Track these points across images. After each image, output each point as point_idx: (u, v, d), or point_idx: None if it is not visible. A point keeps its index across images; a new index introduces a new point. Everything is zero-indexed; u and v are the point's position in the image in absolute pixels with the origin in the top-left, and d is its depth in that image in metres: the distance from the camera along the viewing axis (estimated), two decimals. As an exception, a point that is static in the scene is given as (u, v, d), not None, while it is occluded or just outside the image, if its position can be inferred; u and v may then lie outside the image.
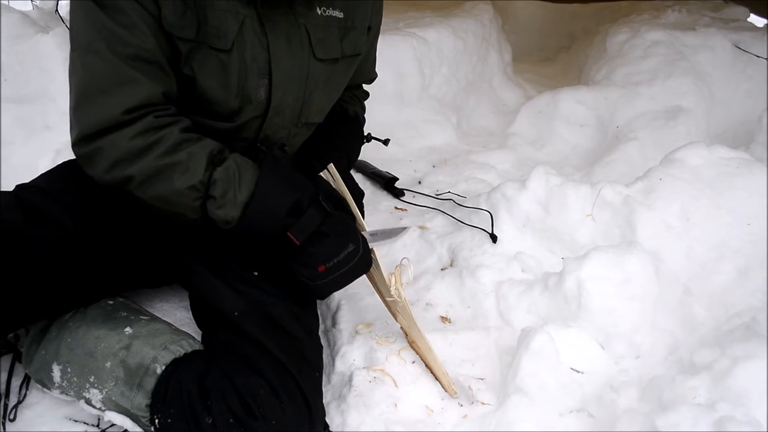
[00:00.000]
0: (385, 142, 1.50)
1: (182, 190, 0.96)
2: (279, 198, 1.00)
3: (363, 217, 1.18)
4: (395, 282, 1.14)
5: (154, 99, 0.97)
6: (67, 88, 1.00)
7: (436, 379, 1.16)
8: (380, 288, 1.17)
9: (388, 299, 1.16)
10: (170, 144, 0.96)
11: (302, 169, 1.19)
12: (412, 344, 1.20)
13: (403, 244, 1.58)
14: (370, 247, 1.12)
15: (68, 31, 1.01)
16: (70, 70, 0.98)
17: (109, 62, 0.93)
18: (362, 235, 1.09)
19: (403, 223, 1.66)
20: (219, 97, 1.05)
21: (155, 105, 0.97)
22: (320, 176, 1.16)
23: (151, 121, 0.96)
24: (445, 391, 1.14)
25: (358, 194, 1.29)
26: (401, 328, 1.21)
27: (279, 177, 1.02)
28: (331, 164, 1.16)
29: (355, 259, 1.05)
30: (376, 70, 1.50)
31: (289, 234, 1.00)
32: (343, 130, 1.36)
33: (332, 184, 1.17)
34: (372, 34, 1.30)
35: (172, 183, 0.96)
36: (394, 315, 1.19)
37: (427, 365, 1.18)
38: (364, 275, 1.13)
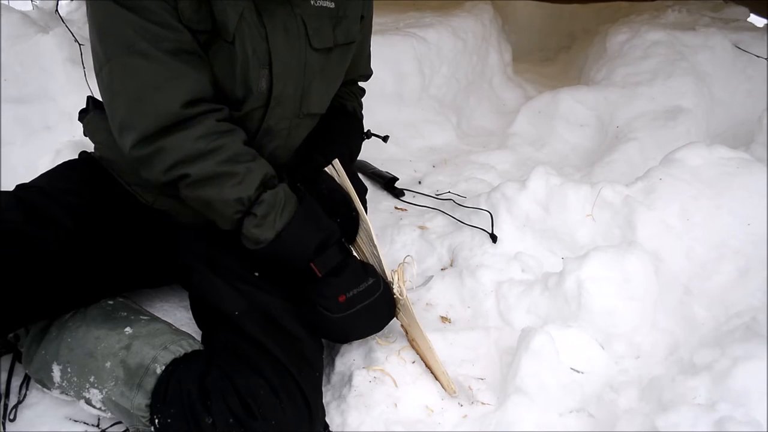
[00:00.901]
0: (384, 138, 1.50)
1: (230, 199, 1.00)
2: (310, 233, 1.06)
3: (366, 213, 1.19)
4: (398, 279, 1.14)
5: (206, 90, 1.01)
6: (68, 88, 1.00)
7: (436, 378, 1.16)
8: None
9: None
10: (232, 153, 1.00)
11: (305, 163, 1.24)
12: (411, 342, 1.20)
13: (403, 244, 1.58)
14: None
15: (71, 35, 1.02)
16: (107, 80, 0.99)
17: (157, 60, 0.96)
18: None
19: (403, 223, 1.66)
20: (225, 87, 1.07)
21: (208, 99, 1.01)
22: (325, 171, 1.18)
23: (214, 125, 1.00)
24: (445, 390, 1.14)
25: (362, 190, 1.30)
26: (401, 326, 1.21)
27: (313, 215, 1.08)
28: (336, 160, 1.18)
29: (376, 294, 1.09)
30: (376, 69, 1.50)
31: (312, 265, 1.05)
32: (343, 125, 1.38)
33: (336, 179, 1.17)
34: (365, 23, 1.30)
35: (223, 190, 1.00)
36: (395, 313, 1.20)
37: (426, 364, 1.18)
38: None
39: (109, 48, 0.97)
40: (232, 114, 1.06)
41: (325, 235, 1.07)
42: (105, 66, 0.98)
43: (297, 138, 1.24)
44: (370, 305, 1.08)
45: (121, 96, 0.98)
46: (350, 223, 1.19)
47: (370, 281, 1.09)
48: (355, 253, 1.21)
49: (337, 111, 1.37)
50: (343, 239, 1.12)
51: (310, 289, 1.07)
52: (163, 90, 0.96)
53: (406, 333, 1.21)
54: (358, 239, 1.22)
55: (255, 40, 1.05)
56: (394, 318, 1.17)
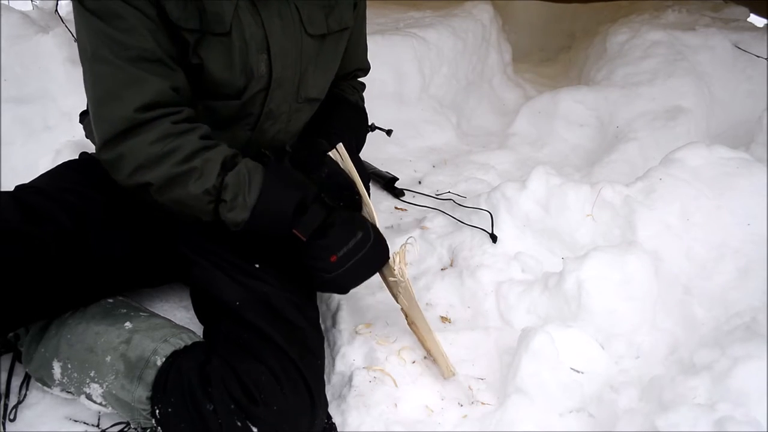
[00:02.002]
0: (388, 132, 1.50)
1: (197, 194, 1.00)
2: (284, 199, 1.03)
3: (369, 196, 1.19)
4: (399, 262, 1.13)
5: (164, 95, 1.00)
6: (68, 88, 1.01)
7: (434, 360, 1.15)
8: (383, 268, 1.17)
9: (390, 279, 1.15)
10: (188, 152, 1.00)
11: (309, 147, 1.24)
12: (411, 325, 1.20)
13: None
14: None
15: (71, 35, 1.04)
16: (84, 82, 1.01)
17: (115, 66, 0.97)
18: (373, 226, 1.10)
19: (403, 223, 1.66)
20: (226, 79, 1.08)
21: (166, 103, 1.00)
22: (329, 155, 1.18)
23: (169, 128, 0.99)
24: (443, 374, 1.13)
25: (366, 177, 1.28)
26: (401, 309, 1.20)
27: (282, 178, 1.06)
28: (341, 144, 1.18)
29: (367, 245, 1.06)
30: (376, 69, 1.51)
31: (294, 231, 1.03)
32: (348, 115, 1.40)
33: (340, 164, 1.17)
34: (358, 12, 1.32)
35: (187, 188, 1.00)
36: (395, 296, 1.19)
37: (425, 346, 1.17)
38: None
39: (80, 53, 1.01)
40: (190, 116, 1.05)
41: (301, 195, 1.04)
42: (82, 69, 1.02)
43: (298, 122, 1.26)
44: (364, 257, 1.06)
45: (90, 101, 1.01)
46: (353, 207, 1.18)
47: (359, 235, 1.06)
48: None
49: (340, 101, 1.39)
50: (322, 194, 1.09)
51: (302, 254, 1.06)
52: (120, 96, 0.97)
53: (406, 316, 1.20)
54: None
55: (251, 28, 1.07)
56: (389, 262, 1.14)
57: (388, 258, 1.13)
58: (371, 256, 1.08)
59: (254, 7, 1.07)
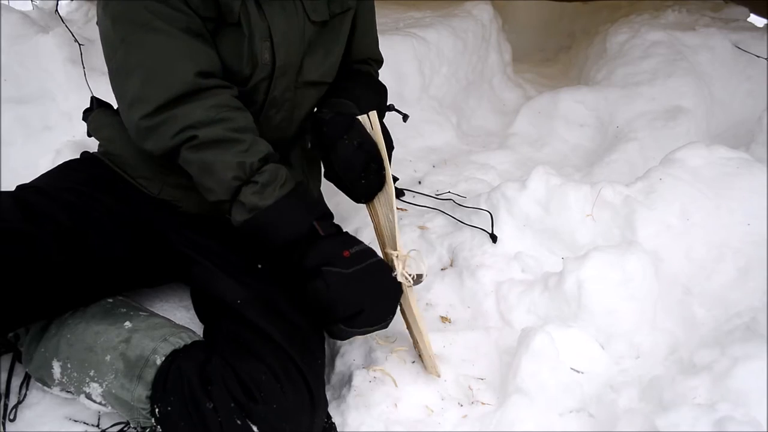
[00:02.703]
0: (404, 117, 1.44)
1: (232, 162, 1.01)
2: (307, 206, 1.06)
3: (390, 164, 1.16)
4: (401, 267, 1.07)
5: (217, 66, 1.07)
6: (68, 88, 1.01)
7: (421, 356, 1.13)
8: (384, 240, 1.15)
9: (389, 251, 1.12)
10: (242, 125, 1.04)
11: (335, 109, 1.23)
12: (405, 320, 1.14)
13: (403, 244, 1.57)
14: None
15: (71, 35, 1.05)
16: (121, 60, 1.03)
17: (171, 35, 1.01)
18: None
19: (403, 223, 1.66)
20: (233, 67, 1.11)
21: (219, 75, 1.06)
22: (358, 120, 1.17)
23: (228, 99, 1.05)
24: (428, 370, 1.13)
25: (391, 145, 1.25)
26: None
27: (309, 197, 1.09)
28: (374, 112, 1.18)
29: (375, 257, 1.03)
30: (383, 62, 1.52)
31: (315, 224, 1.03)
32: (370, 81, 1.40)
33: (370, 132, 1.16)
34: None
35: (227, 153, 1.01)
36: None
37: (414, 341, 1.15)
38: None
39: (125, 29, 1.02)
40: (240, 95, 1.09)
41: (321, 212, 1.08)
42: (120, 48, 1.02)
43: (302, 110, 1.27)
44: (377, 264, 1.02)
45: (137, 71, 1.02)
46: (377, 180, 1.16)
47: (363, 246, 1.05)
48: (369, 214, 1.23)
49: (360, 72, 1.40)
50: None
51: (311, 254, 1.00)
52: (178, 62, 1.01)
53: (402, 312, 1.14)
54: (376, 201, 1.18)
55: (256, 17, 1.10)
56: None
57: (399, 292, 1.05)
58: (383, 268, 1.04)
59: (257, 1, 1.10)
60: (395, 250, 1.09)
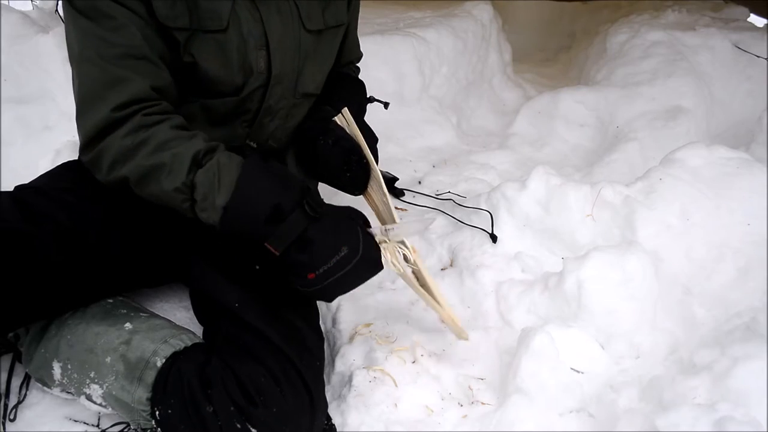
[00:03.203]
0: (385, 105, 1.49)
1: (169, 191, 0.96)
2: (258, 203, 0.93)
3: (377, 162, 1.19)
4: (391, 258, 1.05)
5: (143, 94, 0.98)
6: (68, 88, 1.01)
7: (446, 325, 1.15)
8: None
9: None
10: (157, 143, 0.96)
11: (316, 116, 1.24)
12: (420, 289, 1.11)
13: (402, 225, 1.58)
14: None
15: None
16: (72, 82, 1.01)
17: (99, 66, 0.96)
18: (365, 234, 0.99)
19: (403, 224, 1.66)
20: (221, 77, 1.08)
21: (144, 101, 0.98)
22: (334, 121, 1.18)
23: (140, 120, 0.97)
24: (458, 336, 1.14)
25: (374, 139, 1.28)
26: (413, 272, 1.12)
27: (260, 178, 0.95)
28: (346, 109, 1.17)
29: (354, 261, 0.95)
30: (376, 69, 1.54)
31: (267, 245, 0.93)
32: (349, 84, 1.41)
33: (346, 129, 1.18)
34: (353, 8, 1.34)
35: (160, 184, 0.96)
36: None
37: (436, 311, 1.14)
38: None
39: (69, 54, 1.01)
40: (166, 109, 1.02)
41: (277, 202, 0.93)
42: (71, 70, 1.02)
43: (295, 118, 1.26)
44: (348, 273, 0.95)
45: (75, 101, 1.01)
46: (361, 171, 1.17)
47: (344, 251, 0.94)
48: (368, 204, 1.22)
49: (338, 75, 1.40)
50: (306, 199, 0.96)
51: (279, 264, 0.96)
52: (102, 96, 0.96)
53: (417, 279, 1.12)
54: (370, 189, 1.21)
55: (249, 23, 1.07)
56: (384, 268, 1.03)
57: (378, 269, 1.01)
58: (357, 271, 0.97)
59: (252, 3, 1.08)
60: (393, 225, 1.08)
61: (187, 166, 0.94)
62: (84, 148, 1.00)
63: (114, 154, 0.97)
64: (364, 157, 1.16)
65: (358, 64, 1.55)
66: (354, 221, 1.00)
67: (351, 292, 1.05)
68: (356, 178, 1.19)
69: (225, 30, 1.04)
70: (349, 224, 0.99)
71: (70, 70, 1.02)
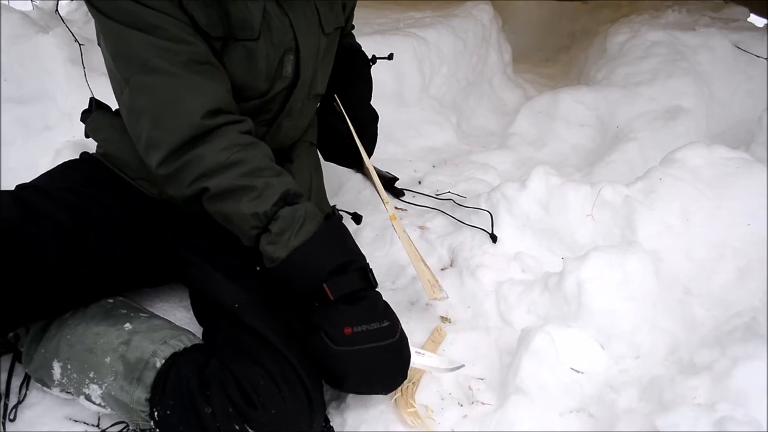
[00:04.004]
0: (390, 56, 1.66)
1: (246, 214, 0.98)
2: (328, 254, 0.99)
3: (375, 144, 1.50)
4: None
5: (224, 99, 1.01)
6: (68, 88, 1.01)
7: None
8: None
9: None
10: (253, 167, 0.99)
11: (329, 108, 1.46)
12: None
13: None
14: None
15: (71, 35, 1.03)
16: (128, 102, 1.00)
17: (172, 74, 0.96)
18: (402, 329, 1.02)
19: (403, 223, 1.66)
20: (248, 82, 1.09)
21: (227, 109, 1.01)
22: (333, 107, 1.39)
23: (236, 137, 0.99)
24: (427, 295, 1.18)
25: (375, 117, 1.54)
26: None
27: (336, 237, 1.02)
28: (335, 97, 1.41)
29: (389, 340, 0.97)
30: (376, 69, 1.62)
31: (324, 286, 0.97)
32: (358, 65, 1.54)
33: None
34: (347, 11, 1.39)
35: (240, 204, 0.98)
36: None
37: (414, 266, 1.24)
38: None
39: (126, 70, 0.98)
40: (251, 128, 1.05)
41: (346, 260, 1.00)
42: (125, 88, 0.99)
43: (307, 117, 1.31)
44: (379, 349, 0.97)
45: (144, 115, 0.99)
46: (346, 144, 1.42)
47: (385, 324, 0.98)
48: (367, 178, 1.42)
49: (347, 51, 1.50)
50: (369, 270, 1.03)
51: (318, 312, 0.99)
52: (183, 103, 0.97)
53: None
54: (366, 166, 1.42)
55: (280, 31, 1.09)
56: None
57: (405, 369, 1.02)
58: (389, 354, 0.98)
59: (281, 9, 1.09)
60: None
61: (276, 198, 0.98)
62: (165, 159, 0.98)
63: (206, 165, 0.97)
64: (349, 135, 1.37)
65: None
66: (396, 318, 1.03)
67: None
68: (347, 152, 1.45)
69: (257, 39, 1.05)
70: (392, 314, 1.03)
71: (66, 70, 1.01)
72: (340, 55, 1.42)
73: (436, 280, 1.23)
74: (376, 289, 1.04)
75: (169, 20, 0.96)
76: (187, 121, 0.96)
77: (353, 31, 1.62)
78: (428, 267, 1.23)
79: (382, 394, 1.04)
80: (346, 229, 1.07)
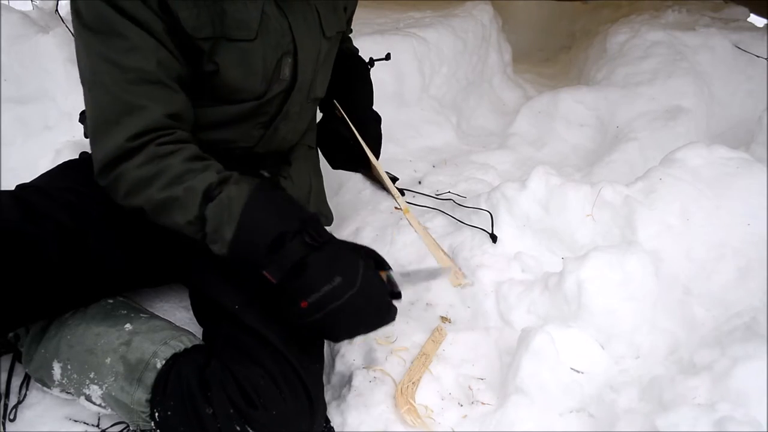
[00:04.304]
0: (387, 57, 1.67)
1: (183, 225, 0.97)
2: (260, 234, 0.93)
3: (380, 145, 1.50)
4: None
5: (157, 123, 0.98)
6: (68, 88, 1.01)
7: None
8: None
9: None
10: (171, 176, 0.96)
11: (331, 115, 1.51)
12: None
13: (403, 244, 1.58)
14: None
15: (71, 35, 1.03)
16: (84, 103, 1.01)
17: (112, 94, 0.96)
18: (371, 271, 0.96)
19: (403, 223, 1.66)
20: (244, 84, 1.08)
21: (158, 130, 0.98)
22: (335, 114, 1.42)
23: (154, 150, 0.97)
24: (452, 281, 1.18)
25: (377, 119, 1.58)
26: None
27: (263, 208, 0.96)
28: (335, 103, 1.43)
29: (348, 294, 0.91)
30: (376, 70, 1.63)
31: (265, 274, 0.92)
32: (358, 72, 1.56)
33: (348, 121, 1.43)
34: (347, 15, 1.38)
35: (173, 217, 0.97)
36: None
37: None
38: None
39: (80, 73, 1.00)
40: (181, 138, 1.01)
41: (280, 232, 0.93)
42: (83, 90, 1.01)
43: (305, 120, 1.30)
44: (344, 306, 0.92)
45: (89, 125, 1.01)
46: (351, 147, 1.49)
47: (336, 281, 0.91)
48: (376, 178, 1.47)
49: (345, 56, 1.50)
50: (307, 229, 0.95)
51: (276, 293, 0.95)
52: (116, 123, 0.96)
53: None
54: (373, 167, 1.52)
55: (278, 33, 1.08)
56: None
57: (387, 314, 0.98)
58: (355, 307, 0.93)
59: (280, 10, 1.08)
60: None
61: (199, 201, 0.95)
62: (99, 173, 1.00)
63: (129, 184, 0.97)
64: (353, 137, 1.42)
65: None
66: (357, 255, 0.97)
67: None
68: (353, 154, 1.53)
69: (253, 40, 1.04)
70: (351, 257, 0.95)
71: (66, 70, 1.01)
72: (339, 60, 1.41)
73: (459, 268, 1.22)
74: (323, 242, 0.95)
75: (134, 30, 0.94)
76: (114, 142, 0.96)
77: (350, 35, 1.63)
78: (448, 255, 1.23)
79: (376, 329, 1.00)
80: (274, 191, 1.00)
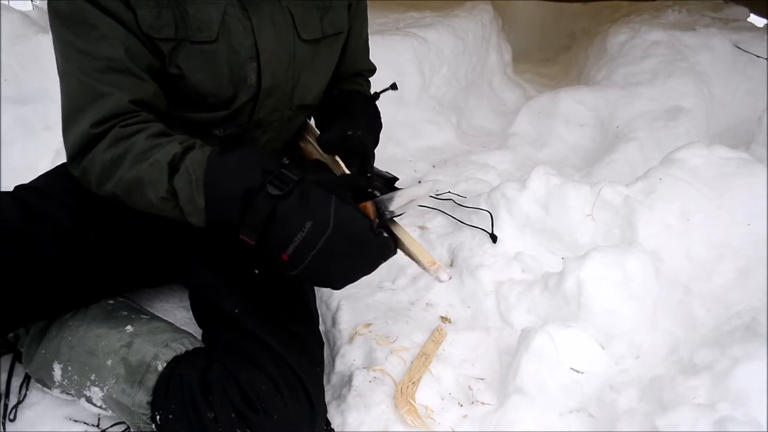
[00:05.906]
0: (393, 86, 1.42)
1: (157, 203, 0.93)
2: (228, 195, 0.87)
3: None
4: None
5: (121, 109, 0.95)
6: (67, 88, 1.01)
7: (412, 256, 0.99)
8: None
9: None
10: (136, 153, 0.93)
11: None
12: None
13: (403, 243, 1.58)
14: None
15: None
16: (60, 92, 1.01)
17: (80, 81, 0.95)
18: (343, 207, 0.86)
19: (403, 223, 1.66)
20: (211, 89, 1.04)
21: (122, 114, 0.96)
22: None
23: (118, 132, 0.94)
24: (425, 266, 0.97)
25: (378, 125, 1.30)
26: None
27: (225, 167, 0.89)
28: (306, 121, 1.25)
29: (324, 236, 0.83)
30: (377, 70, 1.49)
31: (243, 238, 0.87)
32: (366, 106, 1.30)
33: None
34: (354, 13, 1.26)
35: (147, 196, 0.93)
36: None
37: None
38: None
39: (57, 68, 1.00)
40: (145, 119, 0.98)
41: (245, 189, 0.86)
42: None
43: (290, 130, 1.23)
44: (323, 251, 0.84)
45: (61, 114, 1.00)
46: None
47: (308, 226, 0.83)
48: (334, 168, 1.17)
49: (353, 92, 1.31)
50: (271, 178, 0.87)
51: (260, 254, 0.89)
52: (84, 111, 0.95)
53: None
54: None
55: (240, 35, 1.03)
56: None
57: (381, 252, 0.89)
58: (337, 248, 0.84)
59: (244, 12, 1.03)
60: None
61: (166, 174, 0.90)
62: (70, 164, 1.00)
63: (98, 169, 0.95)
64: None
65: (370, 79, 1.45)
66: (327, 192, 0.87)
67: (351, 291, 0.97)
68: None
69: (214, 41, 1.01)
70: (320, 197, 0.86)
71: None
72: (334, 100, 1.28)
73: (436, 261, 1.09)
74: (291, 188, 0.87)
75: (104, 19, 0.94)
76: (81, 129, 0.95)
77: (369, 75, 1.44)
78: (421, 244, 1.05)
79: (373, 269, 0.91)
80: (233, 149, 0.93)
